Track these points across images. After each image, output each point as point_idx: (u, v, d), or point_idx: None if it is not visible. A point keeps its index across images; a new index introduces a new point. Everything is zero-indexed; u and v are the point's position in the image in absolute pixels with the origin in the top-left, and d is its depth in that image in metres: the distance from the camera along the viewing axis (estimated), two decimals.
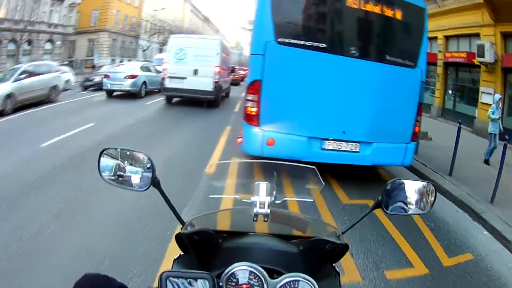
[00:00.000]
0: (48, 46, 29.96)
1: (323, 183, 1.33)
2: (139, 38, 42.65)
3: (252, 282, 0.97)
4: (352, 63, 4.90)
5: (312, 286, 0.95)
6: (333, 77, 4.87)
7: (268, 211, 1.16)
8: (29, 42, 27.60)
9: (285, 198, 1.30)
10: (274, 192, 1.21)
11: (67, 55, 33.62)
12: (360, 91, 4.90)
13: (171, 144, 7.72)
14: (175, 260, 1.14)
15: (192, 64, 13.05)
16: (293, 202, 1.80)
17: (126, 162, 1.19)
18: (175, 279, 0.87)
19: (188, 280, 0.87)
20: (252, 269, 0.97)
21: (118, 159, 1.20)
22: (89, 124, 9.42)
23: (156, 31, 44.55)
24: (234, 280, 0.97)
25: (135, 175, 1.18)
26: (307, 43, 4.85)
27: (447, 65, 15.16)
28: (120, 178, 1.20)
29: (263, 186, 1.19)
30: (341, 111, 4.92)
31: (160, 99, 14.82)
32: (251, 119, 5.03)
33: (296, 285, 0.96)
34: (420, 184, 1.22)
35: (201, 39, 14.49)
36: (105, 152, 1.21)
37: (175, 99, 14.70)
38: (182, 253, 1.16)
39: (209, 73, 12.99)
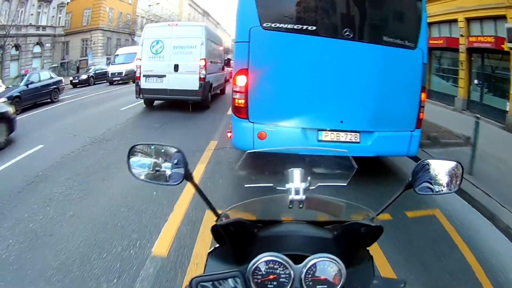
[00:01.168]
0: (37, 49, 29.16)
1: (356, 166, 1.29)
2: (134, 35, 41.46)
3: (278, 271, 0.99)
4: (346, 46, 4.52)
5: (338, 265, 0.97)
6: (326, 62, 4.53)
7: (304, 197, 1.16)
8: (17, 47, 26.72)
9: (319, 184, 1.26)
10: (309, 178, 1.20)
11: (60, 57, 32.66)
12: (357, 76, 4.56)
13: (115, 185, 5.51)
14: (209, 253, 1.16)
15: (171, 58, 10.85)
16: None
17: (156, 157, 1.21)
18: (206, 283, 0.90)
19: (220, 281, 0.90)
20: (276, 258, 0.99)
21: (148, 155, 1.22)
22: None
23: None
24: (260, 272, 0.99)
25: (167, 170, 1.18)
26: (295, 26, 4.53)
27: (470, 51, 13.02)
28: (151, 174, 1.20)
29: (297, 173, 1.19)
30: (337, 99, 4.60)
31: (139, 102, 12.59)
32: (240, 111, 4.76)
33: (323, 267, 0.98)
34: (448, 163, 1.25)
35: (181, 27, 11.77)
36: (134, 148, 1.24)
37: (157, 102, 12.56)
38: (216, 246, 1.17)
39: (192, 68, 10.77)
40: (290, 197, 1.15)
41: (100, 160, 6.42)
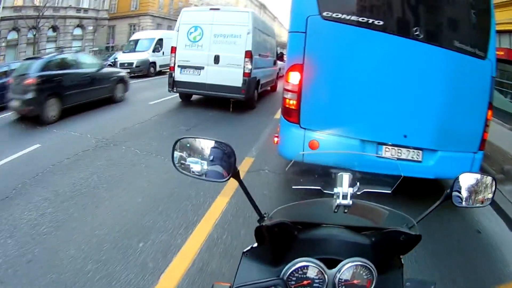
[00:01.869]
0: (78, 31, 29.15)
1: (402, 174, 1.35)
2: None
3: (312, 276, 1.00)
4: (416, 48, 3.94)
5: (372, 270, 0.98)
6: (392, 64, 3.98)
7: (350, 202, 1.16)
8: (54, 28, 26.65)
9: (365, 190, 1.26)
10: (358, 183, 1.21)
11: (105, 41, 32.59)
12: (424, 84, 3.99)
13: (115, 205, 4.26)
14: (243, 253, 1.16)
15: (211, 48, 9.24)
16: None
17: (201, 152, 1.18)
18: None
19: None
20: (310, 264, 0.99)
21: (192, 150, 1.19)
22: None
23: None
24: (294, 277, 1.00)
25: (212, 165, 1.17)
26: (359, 18, 3.96)
27: None
28: (194, 170, 1.18)
29: (346, 177, 1.19)
30: (402, 108, 4.04)
31: (173, 96, 10.83)
32: (290, 114, 4.24)
33: (356, 271, 0.99)
34: (484, 178, 1.27)
35: (224, 13, 9.75)
36: (180, 142, 1.21)
37: (195, 96, 10.77)
38: (252, 245, 1.16)
39: (236, 60, 9.10)
40: (338, 201, 1.16)
41: (94, 174, 5.00)
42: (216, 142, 1.16)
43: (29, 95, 7.91)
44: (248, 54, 9.08)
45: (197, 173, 1.18)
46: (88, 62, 10.19)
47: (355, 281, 1.00)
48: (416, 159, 4.30)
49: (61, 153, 5.76)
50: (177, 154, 1.20)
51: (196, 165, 1.17)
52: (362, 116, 4.14)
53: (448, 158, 4.29)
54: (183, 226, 3.65)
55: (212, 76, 9.27)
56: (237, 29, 9.13)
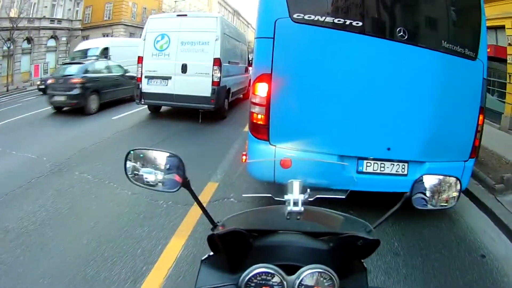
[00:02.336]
0: (51, 43, 28.66)
1: (356, 180, 1.44)
2: None
3: (271, 282, 0.99)
4: (400, 50, 3.61)
5: (333, 277, 0.97)
6: (373, 69, 3.62)
7: (302, 209, 1.15)
8: (29, 40, 26.26)
9: (317, 196, 1.27)
10: (308, 190, 1.20)
11: None
12: (409, 90, 3.66)
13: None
14: (202, 261, 1.16)
15: (178, 57, 8.91)
16: None
17: (153, 162, 1.21)
18: None
19: None
20: (269, 270, 0.98)
21: (145, 160, 1.22)
22: None
23: None
24: (253, 283, 0.99)
25: (164, 176, 1.20)
26: (335, 19, 3.60)
27: None
28: (148, 180, 1.21)
29: (296, 184, 1.19)
30: (385, 118, 3.70)
31: (138, 109, 10.61)
32: (258, 130, 3.88)
33: (316, 278, 0.98)
34: (447, 179, 1.28)
35: (191, 19, 9.56)
36: (131, 153, 1.23)
37: (164, 108, 10.46)
38: (210, 253, 1.17)
39: (204, 69, 8.80)
40: (289, 208, 1.14)
41: (42, 208, 4.42)
42: (166, 153, 1.19)
43: (76, 91, 10.41)
44: (217, 62, 8.77)
45: (149, 184, 1.20)
46: (115, 68, 12.87)
47: None
48: (401, 172, 3.99)
49: (16, 180, 5.37)
50: (130, 164, 1.22)
51: (149, 176, 1.20)
52: (340, 129, 3.80)
53: (437, 169, 3.83)
54: (130, 279, 3.06)
55: (180, 86, 8.93)
56: (205, 36, 8.81)
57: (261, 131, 3.90)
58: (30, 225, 4.05)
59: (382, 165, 3.93)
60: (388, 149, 3.85)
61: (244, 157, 4.14)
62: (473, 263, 3.37)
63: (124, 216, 4.13)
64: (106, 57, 18.50)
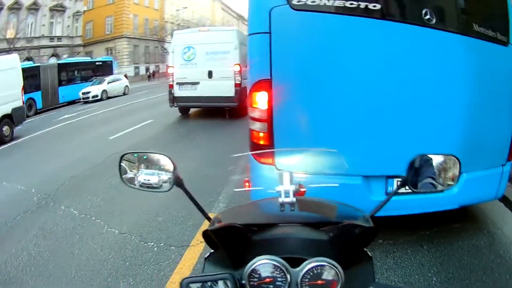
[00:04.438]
0: (52, 61, 28.05)
1: (347, 166, 1.39)
2: (164, 41, 39.89)
3: (274, 274, 0.96)
4: (428, 37, 2.98)
5: (337, 270, 0.94)
6: (398, 63, 2.97)
7: (294, 199, 1.13)
8: (29, 60, 25.58)
9: (310, 185, 1.25)
10: (299, 180, 1.18)
11: None
12: (442, 86, 3.07)
13: None
14: (206, 259, 1.13)
15: (204, 65, 10.80)
16: None
17: (147, 165, 1.26)
18: (196, 284, 0.90)
19: (209, 283, 0.90)
20: (273, 262, 0.96)
21: (139, 163, 1.27)
22: None
23: None
24: (256, 275, 0.96)
25: (158, 177, 1.24)
26: (346, 3, 2.92)
27: None
28: (142, 182, 1.26)
29: (286, 175, 1.16)
30: (414, 126, 3.10)
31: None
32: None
33: (320, 271, 0.95)
34: (444, 158, 1.26)
35: (212, 32, 11.75)
36: (124, 157, 1.28)
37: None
38: (211, 251, 1.16)
39: (227, 73, 10.63)
40: (280, 200, 1.12)
41: (24, 251, 3.99)
42: (158, 154, 1.24)
43: None
44: (237, 67, 10.51)
45: (142, 185, 1.25)
46: None
47: (319, 282, 0.93)
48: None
49: (2, 217, 4.99)
50: (123, 166, 1.27)
51: (142, 177, 1.24)
52: (363, 143, 3.21)
53: (475, 179, 3.42)
54: None
55: (207, 89, 10.66)
56: (225, 46, 10.55)
57: (264, 154, 3.39)
58: (12, 272, 3.71)
59: None
60: None
61: (247, 184, 3.53)
62: None
63: (108, 264, 3.62)
64: None
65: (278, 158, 3.17)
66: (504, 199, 4.36)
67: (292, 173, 1.17)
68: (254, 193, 2.92)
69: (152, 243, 3.90)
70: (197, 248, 3.76)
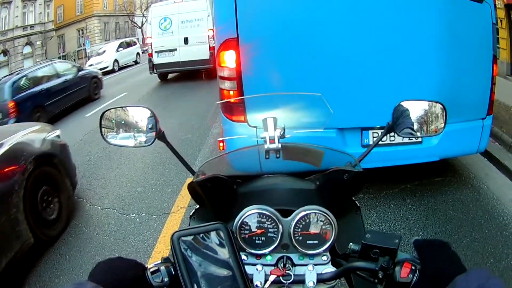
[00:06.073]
0: (27, 49, 28.23)
1: (332, 111, 1.28)
2: (134, 15, 39.91)
3: (265, 225, 0.93)
4: None
5: (328, 217, 0.91)
6: (370, 15, 3.00)
7: (279, 145, 1.09)
8: (4, 52, 25.89)
9: (295, 131, 1.20)
10: (283, 125, 1.14)
11: (56, 52, 31.99)
12: (415, 40, 3.08)
13: None
14: (191, 216, 1.13)
15: (180, 33, 11.69)
16: None
17: (127, 120, 1.19)
18: (188, 238, 0.82)
19: (201, 235, 0.83)
20: (263, 211, 0.92)
21: (119, 119, 1.19)
22: None
23: (150, 3, 42.58)
24: (247, 227, 0.93)
25: (139, 131, 1.17)
26: None
27: (508, 8, 10.78)
28: (124, 137, 1.19)
29: (270, 121, 1.12)
30: (389, 77, 3.08)
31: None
32: (232, 110, 3.24)
33: (312, 219, 0.92)
34: (430, 104, 1.19)
35: (186, 3, 12.18)
36: (105, 114, 1.19)
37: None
38: (196, 207, 1.14)
39: (202, 39, 11.56)
40: (266, 146, 1.09)
41: None
42: (139, 107, 1.18)
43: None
44: (211, 32, 11.12)
45: (124, 141, 1.20)
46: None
47: (312, 232, 0.92)
48: (415, 140, 3.39)
49: None
50: (104, 124, 1.20)
51: (124, 134, 1.19)
52: (334, 96, 2.73)
53: (454, 132, 3.27)
54: None
55: (184, 54, 11.65)
56: (199, 14, 11.50)
57: (235, 111, 3.22)
58: None
59: (392, 135, 3.02)
60: None
61: (221, 145, 3.19)
62: (507, 246, 2.88)
63: (94, 241, 3.54)
64: None
65: (250, 115, 3.02)
66: (487, 154, 4.24)
67: (276, 119, 1.12)
68: (235, 142, 2.66)
69: (134, 215, 3.83)
70: (178, 214, 3.69)
